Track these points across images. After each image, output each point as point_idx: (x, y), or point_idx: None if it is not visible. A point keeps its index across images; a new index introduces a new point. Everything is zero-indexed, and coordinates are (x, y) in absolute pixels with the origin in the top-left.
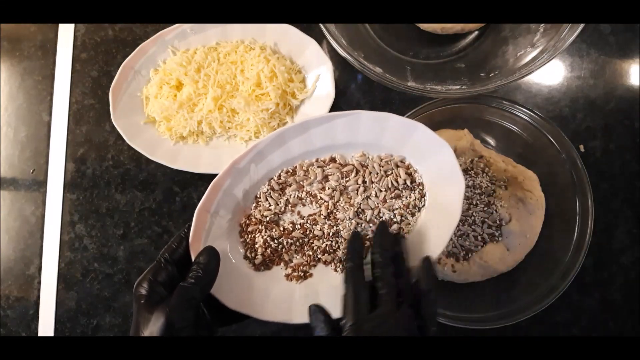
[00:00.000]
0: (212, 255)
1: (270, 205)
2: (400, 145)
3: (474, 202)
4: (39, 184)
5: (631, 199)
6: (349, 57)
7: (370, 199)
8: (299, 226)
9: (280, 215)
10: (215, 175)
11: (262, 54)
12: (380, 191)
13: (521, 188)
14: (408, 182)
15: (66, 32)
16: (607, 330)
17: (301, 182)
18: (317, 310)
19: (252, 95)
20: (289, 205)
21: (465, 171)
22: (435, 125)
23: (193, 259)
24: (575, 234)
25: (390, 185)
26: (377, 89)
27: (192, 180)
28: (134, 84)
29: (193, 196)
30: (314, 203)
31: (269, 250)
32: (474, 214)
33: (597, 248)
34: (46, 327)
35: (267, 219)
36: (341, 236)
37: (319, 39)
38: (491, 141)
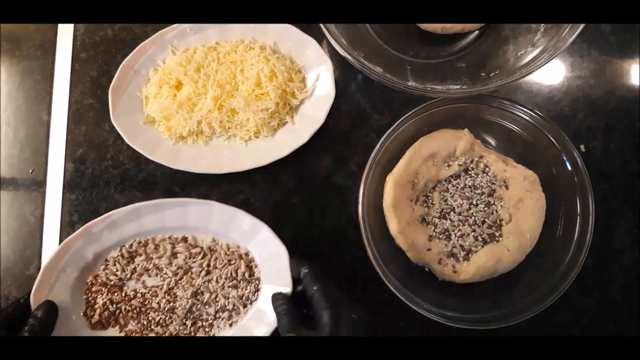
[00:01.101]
0: (49, 310)
1: (117, 270)
2: (247, 239)
3: (474, 202)
4: (38, 184)
5: (632, 199)
6: (349, 57)
7: (211, 282)
8: (140, 295)
9: (125, 282)
10: (215, 175)
11: (262, 53)
12: (221, 278)
13: (521, 188)
14: (247, 275)
15: (65, 32)
16: (608, 331)
17: (150, 254)
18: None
19: (251, 95)
20: (135, 274)
21: (466, 171)
22: (435, 125)
23: (32, 309)
24: (576, 234)
25: (230, 275)
26: (377, 88)
27: (192, 180)
28: (133, 83)
29: (193, 196)
30: (158, 276)
31: (106, 312)
32: (474, 214)
33: (598, 248)
34: None
35: (112, 282)
36: (175, 313)
37: (319, 38)
38: (491, 141)
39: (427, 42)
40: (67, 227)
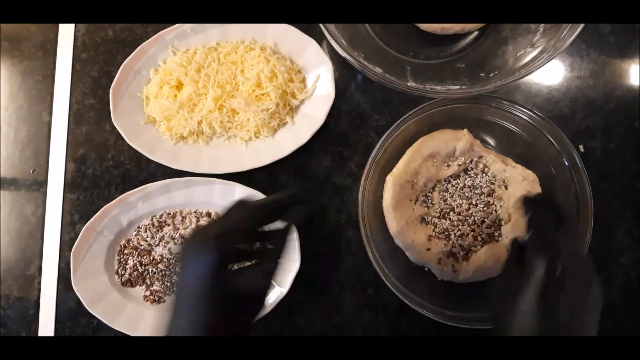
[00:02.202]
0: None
1: (147, 237)
2: None
3: (474, 202)
4: (40, 184)
5: (631, 199)
6: (349, 57)
7: None
8: (166, 260)
9: (153, 247)
10: (215, 175)
11: (262, 54)
12: None
13: (521, 188)
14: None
15: (66, 32)
16: (607, 331)
17: (177, 225)
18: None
19: (252, 96)
20: (163, 241)
21: (465, 171)
22: (435, 125)
23: (72, 267)
24: (575, 234)
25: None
26: (377, 89)
27: None
28: (134, 84)
29: None
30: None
31: (135, 273)
32: (474, 214)
33: (597, 248)
34: (46, 327)
35: (142, 247)
36: None
37: (319, 39)
38: (491, 141)
39: (427, 43)
40: (68, 227)
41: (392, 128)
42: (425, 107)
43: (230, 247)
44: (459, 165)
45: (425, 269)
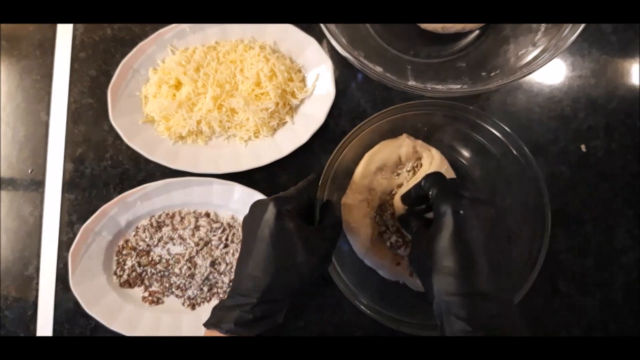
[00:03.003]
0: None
1: (146, 237)
2: None
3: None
4: (38, 184)
5: (632, 199)
6: (349, 57)
7: (227, 255)
8: (164, 261)
9: (152, 248)
10: (214, 175)
11: (262, 53)
12: (237, 251)
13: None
14: None
15: (65, 31)
16: (608, 331)
17: (176, 225)
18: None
19: (251, 95)
20: (161, 242)
21: (414, 174)
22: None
23: (71, 268)
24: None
25: None
26: (378, 88)
27: None
28: (132, 83)
29: None
30: (182, 245)
31: (134, 273)
32: (386, 219)
33: (598, 248)
34: (44, 327)
35: (140, 247)
36: (194, 279)
37: (319, 37)
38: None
39: (428, 42)
40: (66, 227)
41: (340, 144)
42: (378, 116)
43: (285, 207)
44: (408, 171)
45: (400, 282)
